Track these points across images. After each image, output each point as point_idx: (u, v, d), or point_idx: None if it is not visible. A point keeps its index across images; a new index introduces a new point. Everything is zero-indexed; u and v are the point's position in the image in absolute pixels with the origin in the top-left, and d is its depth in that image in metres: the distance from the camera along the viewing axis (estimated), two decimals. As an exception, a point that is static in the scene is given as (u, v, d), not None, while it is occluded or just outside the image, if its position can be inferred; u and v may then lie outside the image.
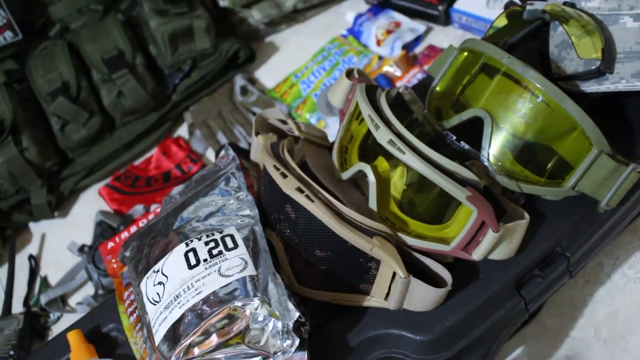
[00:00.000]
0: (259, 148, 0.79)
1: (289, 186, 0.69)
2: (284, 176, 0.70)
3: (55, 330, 1.15)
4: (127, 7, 1.43)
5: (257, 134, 0.82)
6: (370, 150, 0.75)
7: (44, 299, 1.15)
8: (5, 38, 1.37)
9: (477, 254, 0.68)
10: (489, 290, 0.70)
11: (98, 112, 1.26)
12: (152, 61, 1.32)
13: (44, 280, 1.22)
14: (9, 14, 1.36)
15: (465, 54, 0.79)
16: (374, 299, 0.71)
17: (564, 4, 0.78)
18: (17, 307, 1.18)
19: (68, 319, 1.14)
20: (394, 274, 0.67)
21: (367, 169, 0.71)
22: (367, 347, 0.71)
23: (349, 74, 0.81)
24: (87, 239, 1.22)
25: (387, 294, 0.69)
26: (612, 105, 0.82)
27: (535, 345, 0.89)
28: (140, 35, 1.34)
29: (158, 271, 0.72)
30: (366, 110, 0.71)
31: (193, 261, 0.70)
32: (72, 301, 1.17)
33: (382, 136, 0.68)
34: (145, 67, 1.28)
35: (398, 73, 1.23)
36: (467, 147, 0.73)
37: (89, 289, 1.16)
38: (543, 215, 0.75)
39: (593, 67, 0.73)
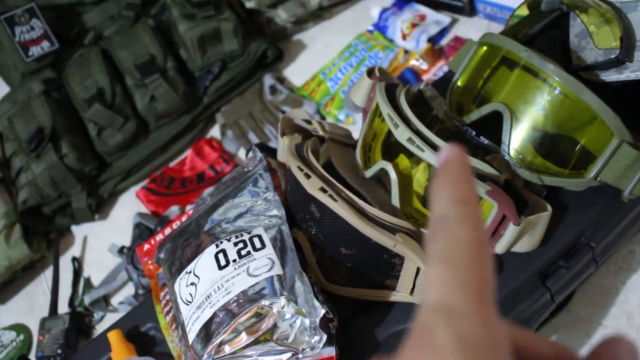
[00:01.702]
0: (284, 149, 0.81)
1: (312, 186, 0.71)
2: (308, 177, 0.72)
3: (99, 328, 1.19)
4: (157, 12, 1.46)
5: (282, 135, 0.84)
6: (392, 147, 0.76)
7: (87, 300, 1.20)
8: (42, 48, 1.41)
9: (499, 248, 0.68)
10: (513, 282, 0.71)
11: (133, 117, 1.30)
12: (183, 64, 1.35)
13: (87, 281, 1.27)
14: (46, 24, 1.41)
15: (485, 48, 0.80)
16: (400, 294, 0.72)
17: (583, -7, 0.78)
18: (63, 307, 1.23)
19: (111, 318, 1.18)
20: (418, 269, 0.68)
21: (389, 167, 0.72)
22: (395, 341, 0.73)
23: (370, 73, 0.82)
24: (127, 240, 1.26)
25: (412, 289, 0.71)
26: (635, 92, 0.82)
27: (567, 334, 0.89)
28: (170, 39, 1.37)
29: (190, 272, 0.75)
30: (385, 110, 0.72)
31: (223, 262, 0.72)
32: (115, 301, 1.21)
33: (401, 134, 0.69)
34: (176, 71, 1.31)
35: (424, 66, 1.23)
36: (486, 142, 0.73)
37: (129, 289, 1.20)
38: (567, 206, 0.75)
39: (612, 56, 0.73)
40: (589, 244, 0.74)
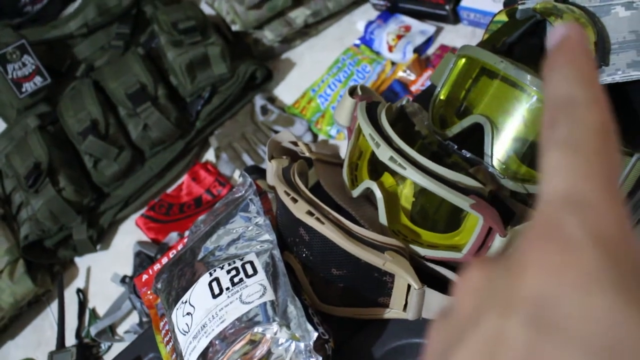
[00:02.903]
0: (272, 173, 0.82)
1: (299, 210, 0.71)
2: (295, 201, 0.73)
3: (107, 359, 1.20)
4: (146, 40, 1.48)
5: (271, 158, 0.85)
6: (378, 165, 0.77)
7: (93, 330, 1.21)
8: (35, 83, 1.43)
9: (488, 259, 0.69)
10: (505, 292, 0.71)
11: (127, 146, 1.31)
12: (174, 91, 1.36)
13: (93, 312, 1.28)
14: (37, 60, 1.43)
15: (464, 60, 0.81)
16: (393, 311, 0.73)
17: (556, -1, 0.79)
18: (70, 339, 1.24)
19: (118, 347, 1.19)
20: (409, 285, 0.68)
21: (374, 186, 0.73)
22: (392, 358, 0.73)
23: (352, 92, 0.83)
24: (129, 269, 1.27)
25: (405, 305, 0.71)
26: (617, 93, 0.82)
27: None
28: (161, 66, 1.39)
29: (186, 302, 0.75)
30: (367, 130, 0.73)
31: (217, 290, 0.73)
32: (120, 330, 1.22)
33: (383, 154, 0.70)
34: (167, 98, 1.32)
35: (412, 77, 1.24)
36: (468, 155, 0.74)
37: (134, 317, 1.21)
38: (554, 213, 0.75)
39: (589, 62, 0.73)
40: (578, 249, 0.74)
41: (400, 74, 1.25)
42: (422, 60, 1.26)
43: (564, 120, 0.24)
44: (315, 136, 1.27)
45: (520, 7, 0.80)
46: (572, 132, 0.24)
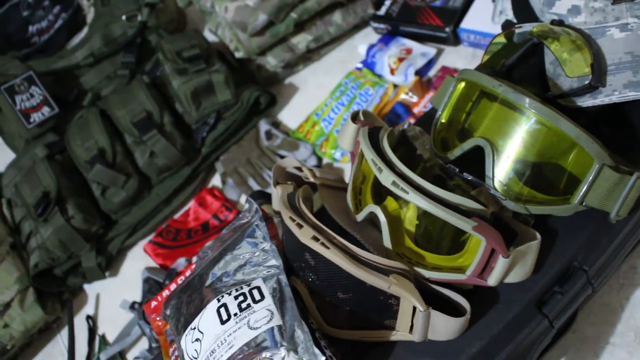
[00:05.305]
0: (278, 199, 0.83)
1: (305, 236, 0.73)
2: (300, 226, 0.74)
3: (118, 386, 1.21)
4: (151, 68, 1.50)
5: (276, 184, 0.86)
6: (381, 189, 0.78)
7: (103, 357, 1.21)
8: (43, 114, 1.45)
9: (492, 280, 0.70)
10: (510, 312, 0.72)
11: (134, 174, 1.33)
12: (179, 118, 1.38)
13: (103, 339, 1.28)
14: (44, 90, 1.45)
15: (463, 83, 0.82)
16: (400, 333, 0.73)
17: (552, 22, 0.80)
18: (80, 367, 1.25)
19: (128, 374, 1.19)
20: (415, 307, 0.69)
21: (377, 210, 0.74)
22: (399, 380, 0.74)
23: (355, 117, 0.84)
24: (138, 295, 1.28)
25: (411, 327, 0.72)
26: (617, 112, 0.83)
27: (576, 355, 0.89)
28: (166, 93, 1.41)
29: (195, 328, 0.76)
30: (369, 155, 0.74)
31: (225, 316, 0.74)
32: (130, 356, 1.22)
33: (386, 178, 0.71)
34: (173, 125, 1.34)
35: (414, 99, 1.26)
36: (469, 177, 0.75)
37: (144, 343, 1.22)
38: (556, 232, 0.76)
39: (586, 83, 0.74)
40: (582, 268, 0.75)
41: (403, 96, 1.27)
42: (423, 82, 1.28)
43: None
44: (319, 160, 1.29)
45: (517, 30, 0.81)
46: None
